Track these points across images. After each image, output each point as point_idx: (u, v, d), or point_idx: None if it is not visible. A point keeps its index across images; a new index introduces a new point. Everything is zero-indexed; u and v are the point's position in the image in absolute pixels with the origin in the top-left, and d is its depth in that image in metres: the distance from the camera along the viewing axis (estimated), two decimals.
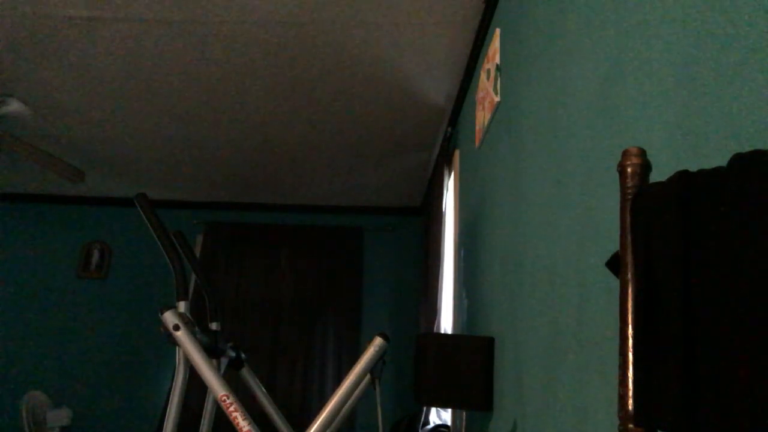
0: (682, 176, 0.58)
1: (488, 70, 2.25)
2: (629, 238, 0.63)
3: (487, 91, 2.23)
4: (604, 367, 1.03)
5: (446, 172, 3.22)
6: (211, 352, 2.20)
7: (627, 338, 0.61)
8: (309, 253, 4.64)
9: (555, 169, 1.40)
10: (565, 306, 1.26)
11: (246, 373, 2.48)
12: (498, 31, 2.14)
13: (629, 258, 0.62)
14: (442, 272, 3.01)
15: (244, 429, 1.76)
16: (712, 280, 0.53)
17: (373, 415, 4.22)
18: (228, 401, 1.80)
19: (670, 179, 0.60)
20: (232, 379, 2.78)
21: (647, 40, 0.97)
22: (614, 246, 0.69)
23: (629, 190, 0.64)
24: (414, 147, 3.70)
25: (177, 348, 2.02)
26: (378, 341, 1.93)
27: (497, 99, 2.07)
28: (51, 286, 4.69)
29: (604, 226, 1.08)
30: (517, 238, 1.72)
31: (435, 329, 2.92)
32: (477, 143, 2.42)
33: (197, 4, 2.37)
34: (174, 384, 2.07)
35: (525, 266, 1.61)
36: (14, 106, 3.21)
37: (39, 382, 4.38)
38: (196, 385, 3.93)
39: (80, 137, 3.70)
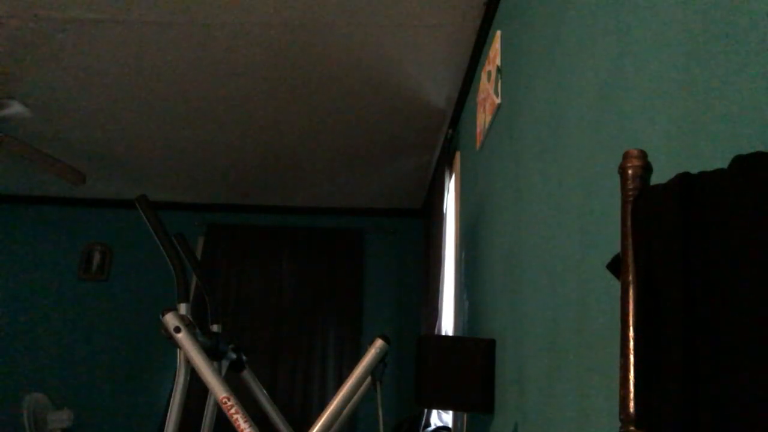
0: (683, 178, 0.58)
1: (489, 72, 2.25)
2: (630, 240, 0.63)
3: (488, 93, 2.24)
4: (605, 369, 1.03)
5: (447, 174, 3.22)
6: (212, 354, 2.20)
7: (628, 340, 0.61)
8: (310, 255, 4.64)
9: (556, 171, 1.40)
10: (566, 308, 1.26)
11: (247, 374, 2.48)
12: (499, 33, 2.14)
13: (630, 260, 0.62)
14: (443, 274, 3.01)
15: (245, 431, 1.76)
16: (713, 282, 0.53)
17: (374, 417, 4.21)
18: (229, 403, 1.80)
19: (671, 181, 0.60)
20: (232, 380, 2.77)
21: (647, 42, 0.97)
22: (615, 248, 0.69)
23: (630, 192, 0.64)
24: (415, 149, 3.70)
25: (178, 350, 2.02)
26: (379, 343, 1.93)
27: (498, 101, 2.07)
28: (52, 287, 4.69)
29: (605, 228, 1.08)
30: (518, 239, 1.72)
31: (436, 331, 2.92)
32: (478, 145, 2.42)
33: (198, 7, 2.37)
34: (175, 386, 2.07)
35: (526, 268, 1.61)
36: (15, 108, 3.21)
37: (40, 384, 4.38)
38: (197, 387, 3.92)
39: (81, 139, 3.71)
